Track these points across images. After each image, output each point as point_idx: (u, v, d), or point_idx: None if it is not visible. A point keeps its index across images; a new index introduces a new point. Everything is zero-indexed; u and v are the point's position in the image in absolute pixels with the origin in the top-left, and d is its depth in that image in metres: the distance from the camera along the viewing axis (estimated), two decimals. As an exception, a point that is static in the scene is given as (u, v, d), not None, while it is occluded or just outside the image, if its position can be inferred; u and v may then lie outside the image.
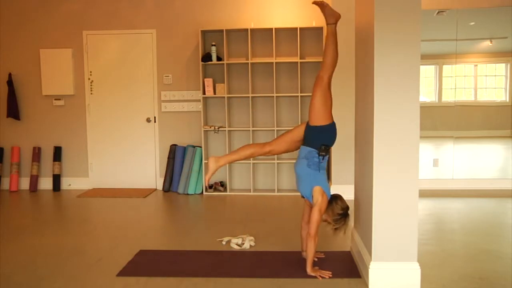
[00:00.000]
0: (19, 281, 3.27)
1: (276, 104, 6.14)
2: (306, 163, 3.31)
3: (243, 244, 3.94)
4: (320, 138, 3.29)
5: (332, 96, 3.37)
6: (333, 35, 3.27)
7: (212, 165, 3.45)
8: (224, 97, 6.13)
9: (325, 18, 3.32)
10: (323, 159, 3.30)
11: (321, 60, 5.91)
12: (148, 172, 6.52)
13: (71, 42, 6.40)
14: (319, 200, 3.27)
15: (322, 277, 3.21)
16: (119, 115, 6.48)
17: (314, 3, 3.38)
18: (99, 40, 6.40)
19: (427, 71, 6.46)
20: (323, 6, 3.31)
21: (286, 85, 6.16)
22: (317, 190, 3.29)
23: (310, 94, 5.96)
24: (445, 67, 6.35)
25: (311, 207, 3.38)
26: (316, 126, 3.28)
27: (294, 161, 3.51)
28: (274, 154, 3.51)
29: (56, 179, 6.45)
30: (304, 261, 3.37)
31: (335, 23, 3.28)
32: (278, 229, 4.44)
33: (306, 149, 3.33)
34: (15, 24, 6.45)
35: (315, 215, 3.26)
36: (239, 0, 6.19)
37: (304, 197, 3.42)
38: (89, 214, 5.33)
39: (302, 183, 3.37)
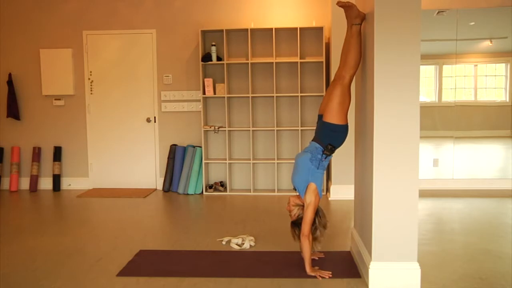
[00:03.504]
0: (19, 281, 3.27)
1: (276, 104, 6.13)
2: (310, 157, 3.32)
3: (243, 244, 3.94)
4: (329, 137, 3.29)
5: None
6: (359, 35, 3.20)
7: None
8: (224, 97, 6.13)
9: (351, 18, 3.21)
10: (325, 158, 3.31)
11: (321, 60, 5.95)
12: (148, 172, 6.52)
13: (71, 42, 6.41)
14: (312, 200, 3.28)
15: (322, 277, 3.21)
16: (119, 115, 6.48)
17: (338, 4, 3.29)
18: (99, 40, 6.40)
19: (427, 71, 6.45)
20: (350, 8, 3.20)
21: (286, 85, 6.16)
22: (311, 189, 3.30)
23: (310, 94, 6.01)
24: (445, 67, 6.35)
25: (297, 204, 3.42)
26: (329, 123, 3.28)
27: (294, 161, 3.51)
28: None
29: (56, 179, 6.45)
30: (304, 261, 3.37)
31: (361, 23, 3.23)
32: (278, 229, 4.43)
33: (314, 144, 3.35)
34: (15, 24, 6.45)
35: (308, 215, 3.27)
36: (239, 0, 6.19)
37: (295, 189, 3.43)
38: (89, 214, 5.33)
39: (298, 174, 3.38)
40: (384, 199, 2.99)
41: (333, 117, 3.26)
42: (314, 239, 3.37)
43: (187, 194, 6.16)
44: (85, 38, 6.40)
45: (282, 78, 6.16)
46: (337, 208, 5.25)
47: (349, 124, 3.37)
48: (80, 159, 6.55)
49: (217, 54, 6.08)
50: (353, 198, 3.87)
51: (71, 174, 6.58)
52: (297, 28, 5.92)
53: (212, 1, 6.22)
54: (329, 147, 3.29)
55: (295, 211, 3.44)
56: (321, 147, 3.30)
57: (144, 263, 3.60)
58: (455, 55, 6.20)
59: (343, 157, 5.43)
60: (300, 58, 5.99)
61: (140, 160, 6.51)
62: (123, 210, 5.39)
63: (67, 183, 6.58)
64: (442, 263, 3.50)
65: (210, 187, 6.21)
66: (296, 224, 3.41)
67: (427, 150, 6.37)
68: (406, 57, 2.90)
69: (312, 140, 3.40)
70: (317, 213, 3.38)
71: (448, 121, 6.31)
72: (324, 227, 3.42)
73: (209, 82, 6.05)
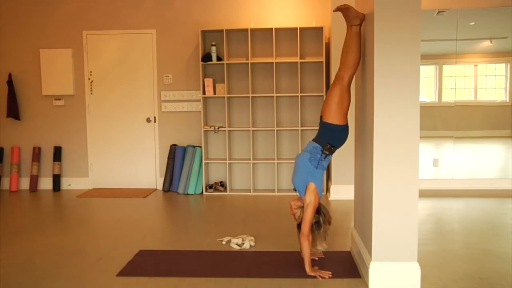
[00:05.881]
0: (19, 281, 3.27)
1: (276, 104, 6.13)
2: (309, 157, 3.33)
3: (243, 244, 3.94)
4: (328, 136, 3.30)
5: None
6: (358, 35, 3.21)
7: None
8: (224, 97, 6.13)
9: (349, 20, 3.22)
10: (325, 158, 3.31)
11: (321, 60, 5.95)
12: (148, 172, 6.52)
13: (71, 42, 6.41)
14: (312, 200, 3.28)
15: (321, 277, 3.21)
16: (119, 115, 6.48)
17: (335, 10, 3.29)
18: (99, 40, 6.40)
19: (427, 71, 6.45)
20: (346, 10, 3.22)
21: (286, 85, 6.16)
22: (310, 188, 3.30)
23: (310, 94, 6.01)
24: (445, 67, 6.35)
25: (298, 206, 3.42)
26: (328, 123, 3.29)
27: (294, 161, 3.51)
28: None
29: (56, 179, 6.45)
30: (303, 261, 3.36)
31: (360, 24, 3.23)
32: (278, 229, 4.43)
33: (312, 144, 3.36)
34: (15, 24, 6.45)
35: (308, 215, 3.27)
36: (239, 0, 6.19)
37: (295, 190, 3.44)
38: (89, 214, 5.33)
39: (298, 174, 3.39)
40: (384, 199, 2.99)
41: (331, 117, 3.27)
42: (321, 237, 3.36)
43: (187, 194, 6.16)
44: (85, 38, 6.40)
45: (282, 78, 6.16)
46: (337, 208, 5.25)
47: (349, 124, 3.37)
48: (80, 159, 6.55)
49: (217, 54, 6.08)
50: (353, 198, 3.87)
51: (71, 174, 6.58)
52: (297, 28, 5.91)
53: (212, 1, 6.22)
54: (328, 146, 3.29)
55: (298, 213, 3.45)
56: (320, 147, 3.31)
57: (144, 263, 3.60)
58: (455, 55, 6.20)
59: (343, 157, 5.43)
60: (300, 58, 5.99)
61: (140, 160, 6.51)
62: (123, 210, 5.39)
63: (67, 183, 6.58)
64: (442, 263, 3.50)
65: (210, 187, 6.21)
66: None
67: (427, 150, 6.37)
68: (406, 57, 2.90)
69: (312, 140, 3.40)
70: (320, 211, 3.38)
71: (448, 121, 6.31)
72: (329, 223, 3.43)
73: (209, 82, 6.05)
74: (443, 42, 6.29)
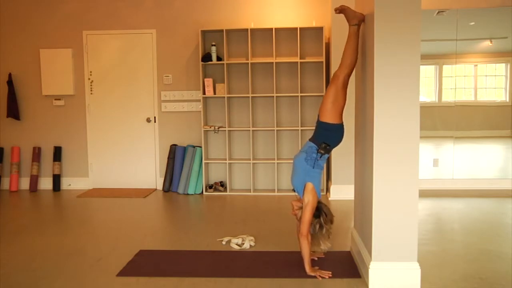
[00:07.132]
0: (19, 281, 3.27)
1: (276, 104, 6.13)
2: (305, 157, 3.34)
3: (243, 244, 3.94)
4: (324, 135, 3.31)
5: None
6: (355, 35, 3.23)
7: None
8: (224, 97, 6.13)
9: (348, 20, 3.27)
10: (321, 157, 3.32)
11: (321, 60, 5.95)
12: (148, 172, 6.52)
13: (71, 42, 6.40)
14: (310, 200, 3.29)
15: (321, 277, 3.21)
16: (119, 115, 6.48)
17: (336, 12, 3.33)
18: (99, 40, 6.40)
19: (427, 71, 6.45)
20: (344, 11, 3.27)
21: (286, 85, 6.16)
22: (308, 188, 3.31)
23: (310, 94, 6.02)
24: (445, 67, 6.35)
25: (299, 206, 3.42)
26: (323, 122, 3.30)
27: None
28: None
29: (56, 179, 6.45)
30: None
31: (358, 24, 3.25)
32: (278, 229, 4.43)
33: (308, 144, 3.37)
34: (15, 24, 6.45)
35: (306, 215, 3.28)
36: (239, 0, 6.19)
37: (294, 191, 3.44)
38: (89, 214, 5.33)
39: (296, 175, 3.40)
40: (384, 199, 2.99)
41: (326, 116, 3.28)
42: (324, 237, 3.36)
43: (187, 194, 6.16)
44: (85, 38, 6.40)
45: (282, 78, 6.16)
46: (337, 208, 5.25)
47: (347, 124, 3.37)
48: (80, 159, 6.55)
49: (217, 54, 6.08)
50: (353, 198, 3.87)
51: (71, 174, 6.58)
52: (297, 28, 5.91)
53: (212, 1, 6.22)
54: (323, 145, 3.29)
55: (299, 214, 3.44)
56: (316, 146, 3.32)
57: (144, 263, 3.60)
58: (455, 55, 6.20)
59: (343, 157, 5.43)
60: (300, 58, 5.99)
61: (140, 160, 6.51)
62: (123, 210, 5.39)
63: (67, 183, 6.58)
64: (442, 263, 3.50)
65: (210, 187, 6.21)
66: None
67: (427, 150, 6.37)
68: (406, 57, 2.90)
69: (308, 140, 3.41)
70: (321, 210, 3.37)
71: (448, 121, 6.31)
72: (331, 222, 3.43)
73: (209, 82, 6.05)
74: (443, 42, 6.29)
